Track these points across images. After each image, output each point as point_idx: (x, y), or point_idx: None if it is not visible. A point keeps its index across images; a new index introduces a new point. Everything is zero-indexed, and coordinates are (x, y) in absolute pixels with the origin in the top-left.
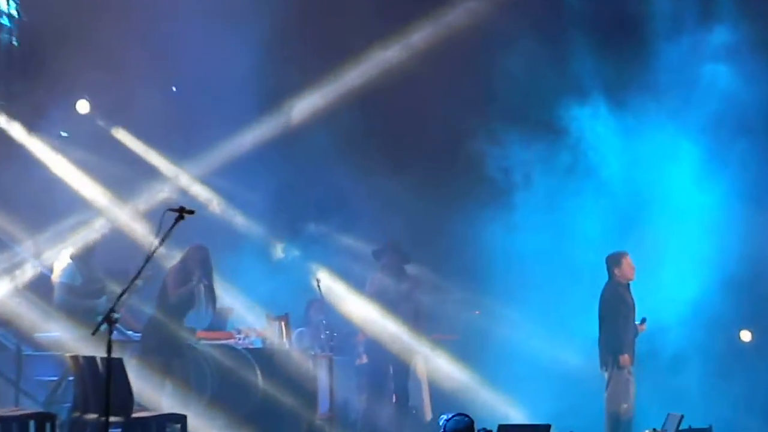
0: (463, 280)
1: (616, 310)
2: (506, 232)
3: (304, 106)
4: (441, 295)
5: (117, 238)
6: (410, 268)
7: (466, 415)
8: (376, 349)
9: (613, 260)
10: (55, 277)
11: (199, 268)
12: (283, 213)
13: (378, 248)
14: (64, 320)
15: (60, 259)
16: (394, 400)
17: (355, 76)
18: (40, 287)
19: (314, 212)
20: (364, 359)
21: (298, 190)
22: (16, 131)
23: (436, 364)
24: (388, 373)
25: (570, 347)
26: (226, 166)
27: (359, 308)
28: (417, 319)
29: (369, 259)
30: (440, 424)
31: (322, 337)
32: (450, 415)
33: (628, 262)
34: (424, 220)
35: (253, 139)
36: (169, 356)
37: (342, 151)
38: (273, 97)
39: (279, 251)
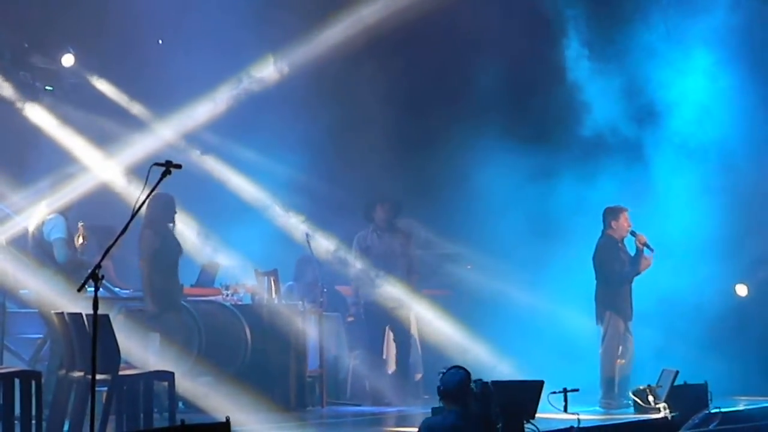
0: (454, 234)
1: (610, 263)
2: (499, 185)
3: (299, 56)
4: (431, 250)
5: (102, 194)
6: (401, 222)
7: (462, 368)
8: (372, 306)
9: (612, 213)
10: (49, 233)
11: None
12: (273, 166)
13: (369, 203)
14: (71, 276)
15: (43, 214)
16: (384, 356)
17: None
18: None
19: (305, 162)
20: (352, 316)
21: (288, 142)
22: None
23: (426, 320)
24: (384, 331)
25: (564, 302)
26: (214, 121)
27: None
28: (410, 274)
29: (354, 211)
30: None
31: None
32: (445, 369)
33: (625, 217)
34: (414, 173)
35: (242, 93)
36: (164, 309)
37: (332, 102)
38: (269, 46)
39: (306, 243)
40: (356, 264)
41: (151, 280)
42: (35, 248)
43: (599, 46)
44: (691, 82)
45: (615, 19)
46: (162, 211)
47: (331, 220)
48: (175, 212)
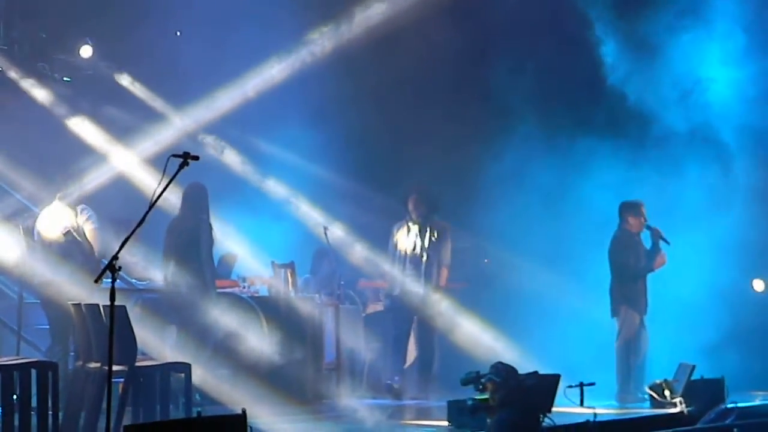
0: (472, 227)
1: (624, 258)
2: (516, 177)
3: (323, 45)
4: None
5: (120, 186)
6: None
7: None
8: (397, 300)
9: (629, 208)
10: (84, 222)
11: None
12: (293, 159)
13: (404, 196)
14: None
15: (71, 208)
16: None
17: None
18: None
19: (321, 156)
20: (370, 308)
21: (303, 135)
22: (18, 77)
23: (444, 313)
24: (410, 324)
25: (582, 295)
26: (231, 113)
27: (380, 259)
28: (439, 269)
29: (378, 205)
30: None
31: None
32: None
33: (642, 212)
34: (432, 167)
35: (259, 86)
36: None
37: (355, 94)
38: (290, 37)
39: (324, 236)
40: (389, 255)
41: (210, 268)
42: (67, 240)
43: (629, 37)
44: (725, 68)
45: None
46: (205, 200)
47: (357, 215)
48: None
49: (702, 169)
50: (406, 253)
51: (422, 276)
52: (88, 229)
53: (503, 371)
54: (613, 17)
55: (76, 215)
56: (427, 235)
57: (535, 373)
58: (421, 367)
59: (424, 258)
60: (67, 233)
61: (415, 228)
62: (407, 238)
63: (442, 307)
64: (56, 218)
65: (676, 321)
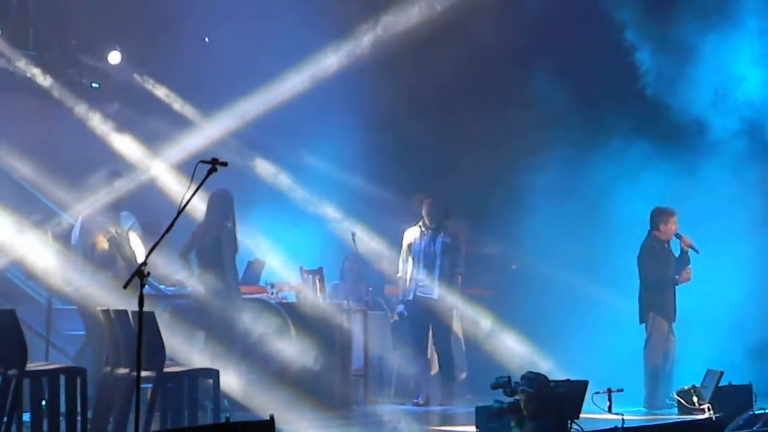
0: (499, 233)
1: (651, 266)
2: (558, 184)
3: (361, 50)
4: (476, 249)
5: (150, 191)
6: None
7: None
8: (412, 305)
9: (661, 215)
10: (128, 230)
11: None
12: (318, 164)
13: (417, 200)
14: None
15: (115, 217)
16: (429, 355)
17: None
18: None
19: (357, 163)
20: (396, 315)
21: (337, 142)
22: (47, 82)
23: (471, 320)
24: (428, 329)
25: (620, 302)
26: (260, 119)
27: (391, 263)
28: (453, 274)
29: (399, 210)
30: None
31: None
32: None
33: (674, 221)
34: (459, 172)
35: (292, 92)
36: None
37: (393, 100)
38: (326, 44)
39: (353, 243)
40: (401, 261)
41: (233, 274)
42: (110, 246)
43: (663, 41)
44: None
45: (670, 14)
46: (231, 207)
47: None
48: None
49: (755, 174)
50: (419, 257)
51: (436, 280)
52: (134, 236)
53: (535, 381)
54: (647, 21)
55: (119, 222)
56: (440, 239)
57: (567, 380)
58: (444, 373)
59: (438, 262)
60: (111, 239)
61: (428, 232)
62: (420, 242)
63: (459, 312)
64: (98, 225)
65: (715, 326)
